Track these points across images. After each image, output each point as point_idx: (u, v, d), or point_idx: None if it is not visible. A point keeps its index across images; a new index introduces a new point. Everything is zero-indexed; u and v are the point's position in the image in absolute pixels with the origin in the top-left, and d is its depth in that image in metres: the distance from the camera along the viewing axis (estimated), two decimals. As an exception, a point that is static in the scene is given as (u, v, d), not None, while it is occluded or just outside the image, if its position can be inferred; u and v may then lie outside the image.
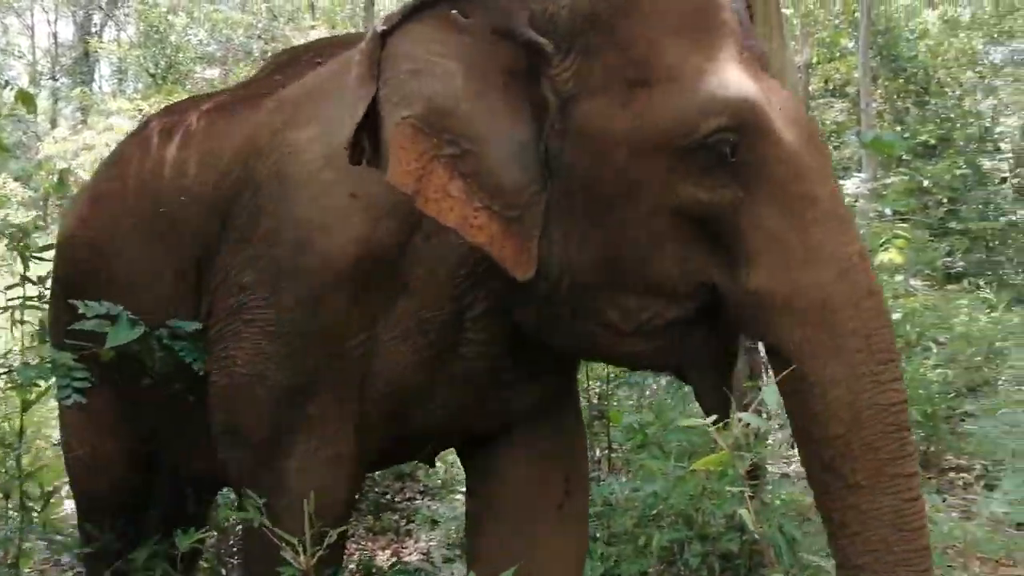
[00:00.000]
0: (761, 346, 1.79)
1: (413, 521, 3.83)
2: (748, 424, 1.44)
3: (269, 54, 10.99)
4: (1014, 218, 9.99)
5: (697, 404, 1.86)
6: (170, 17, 15.04)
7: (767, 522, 2.64)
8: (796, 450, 3.74)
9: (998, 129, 11.69)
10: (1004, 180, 11.13)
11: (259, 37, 14.75)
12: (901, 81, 12.22)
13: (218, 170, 2.07)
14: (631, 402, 4.27)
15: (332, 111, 1.90)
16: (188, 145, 2.19)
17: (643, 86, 1.60)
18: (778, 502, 3.00)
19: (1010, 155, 11.44)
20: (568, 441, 2.23)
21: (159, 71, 14.45)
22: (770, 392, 1.39)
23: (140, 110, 11.11)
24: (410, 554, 3.77)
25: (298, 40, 10.68)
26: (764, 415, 2.85)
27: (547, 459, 2.16)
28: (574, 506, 2.19)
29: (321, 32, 13.05)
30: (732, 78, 1.60)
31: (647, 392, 4.40)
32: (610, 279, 1.67)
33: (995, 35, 13.17)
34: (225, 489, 2.81)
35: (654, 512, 2.88)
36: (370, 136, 1.65)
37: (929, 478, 4.40)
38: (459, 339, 1.91)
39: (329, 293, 1.86)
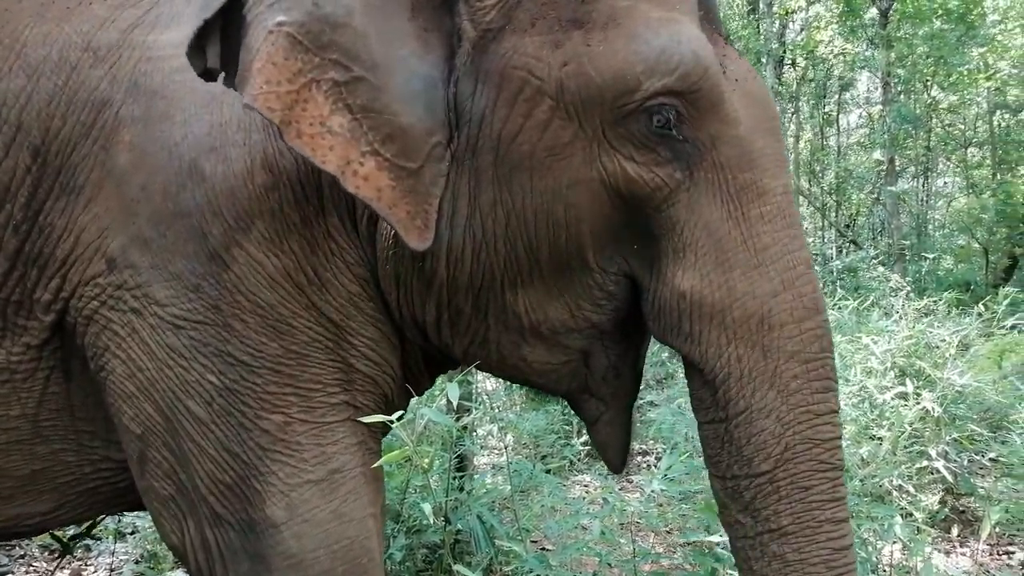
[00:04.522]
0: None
1: (97, 538, 3.43)
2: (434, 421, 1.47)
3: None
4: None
5: None
6: None
7: (469, 511, 2.75)
8: (504, 441, 3.97)
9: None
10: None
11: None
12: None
13: (28, 85, 1.48)
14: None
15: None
16: None
17: (579, 27, 1.32)
18: (483, 491, 3.13)
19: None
20: None
21: None
22: (453, 388, 1.42)
23: None
24: (95, 572, 3.39)
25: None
26: (449, 412, 2.96)
27: None
28: None
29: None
30: (685, 34, 1.32)
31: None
32: (518, 261, 1.39)
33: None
34: None
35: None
36: (225, 43, 1.31)
37: (620, 462, 4.90)
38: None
39: (237, 238, 1.41)
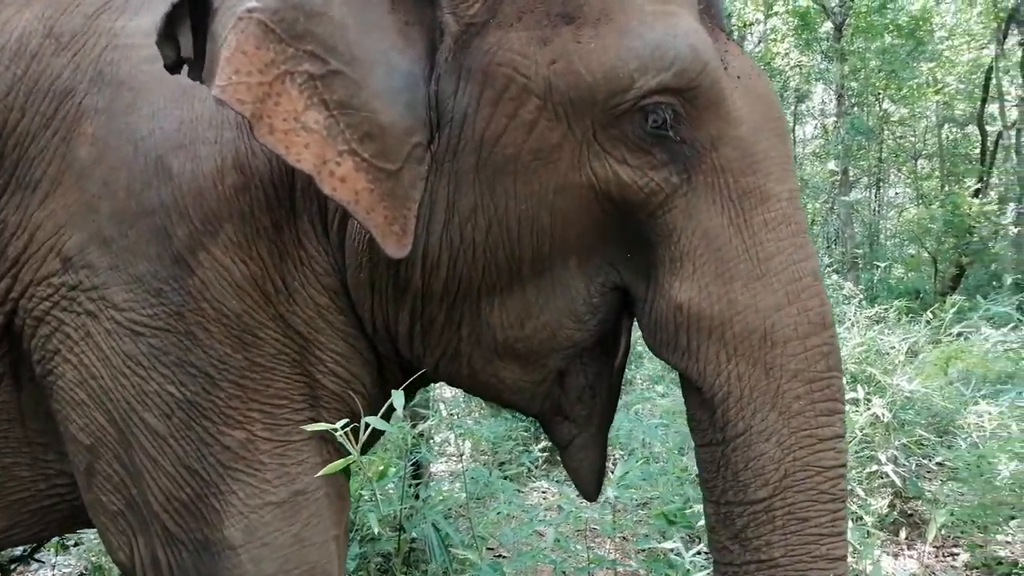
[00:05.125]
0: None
1: (38, 562, 3.31)
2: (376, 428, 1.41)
3: None
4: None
5: None
6: None
7: (424, 520, 2.72)
8: (462, 447, 3.94)
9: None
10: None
11: None
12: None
13: None
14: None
15: None
16: None
17: (569, 23, 1.24)
18: (439, 499, 3.11)
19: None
20: None
21: None
22: (398, 396, 1.38)
23: None
24: (36, 586, 3.27)
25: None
26: (398, 419, 2.93)
27: None
28: None
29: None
30: (682, 28, 1.24)
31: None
32: (498, 270, 1.31)
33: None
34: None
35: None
36: (194, 34, 1.23)
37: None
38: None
39: (204, 242, 1.33)
